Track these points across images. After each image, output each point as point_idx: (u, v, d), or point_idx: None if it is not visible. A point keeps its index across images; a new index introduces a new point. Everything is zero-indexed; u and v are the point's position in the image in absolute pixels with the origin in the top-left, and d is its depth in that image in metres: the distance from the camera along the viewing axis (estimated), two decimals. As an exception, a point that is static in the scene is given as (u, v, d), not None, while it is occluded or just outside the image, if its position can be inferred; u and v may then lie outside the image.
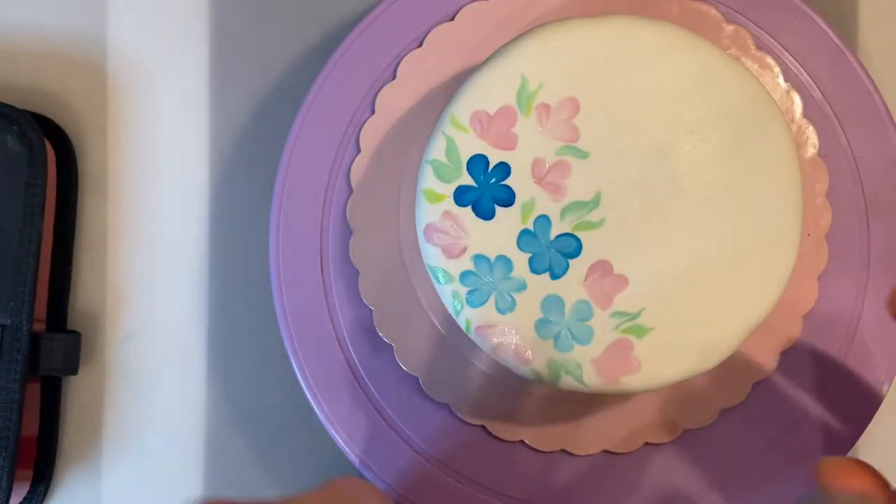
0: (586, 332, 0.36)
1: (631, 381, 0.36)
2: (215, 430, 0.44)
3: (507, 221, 0.36)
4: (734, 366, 0.38)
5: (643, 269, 0.36)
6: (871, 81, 0.41)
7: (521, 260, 0.36)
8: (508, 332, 0.36)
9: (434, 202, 0.36)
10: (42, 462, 0.43)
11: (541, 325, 0.36)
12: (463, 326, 0.36)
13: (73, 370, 0.42)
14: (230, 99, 0.44)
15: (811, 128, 0.41)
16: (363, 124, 0.41)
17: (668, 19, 0.37)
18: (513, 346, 0.36)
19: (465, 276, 0.36)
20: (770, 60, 0.41)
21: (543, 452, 0.41)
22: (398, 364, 0.40)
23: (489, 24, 0.41)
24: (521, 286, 0.36)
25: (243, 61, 0.44)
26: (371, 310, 0.40)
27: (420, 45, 0.41)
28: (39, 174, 0.41)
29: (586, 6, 0.40)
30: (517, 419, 0.40)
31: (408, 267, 0.41)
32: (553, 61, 0.36)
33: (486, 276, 0.36)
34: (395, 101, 0.41)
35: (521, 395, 0.40)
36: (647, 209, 0.36)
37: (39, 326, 0.42)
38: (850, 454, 0.40)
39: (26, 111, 0.42)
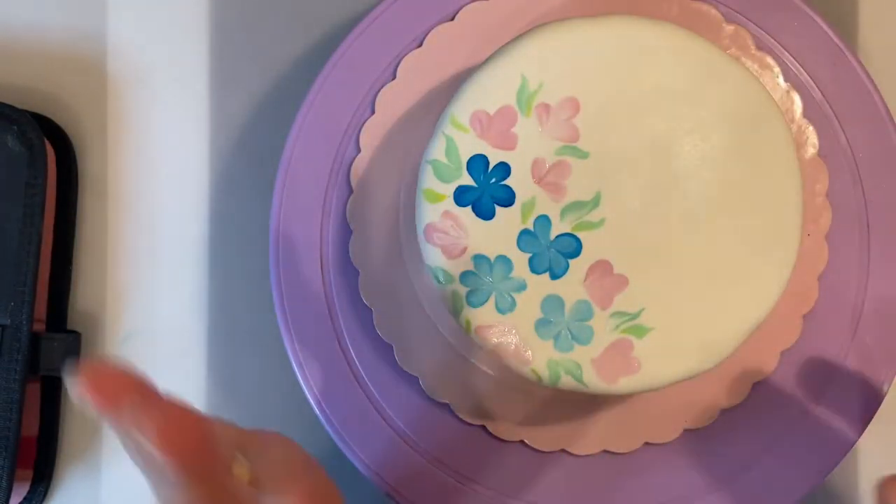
0: (586, 332, 0.36)
1: (631, 381, 0.36)
2: (215, 430, 0.44)
3: (507, 221, 0.36)
4: (734, 366, 0.38)
5: (643, 269, 0.36)
6: (871, 81, 0.41)
7: (521, 260, 0.36)
8: (508, 332, 0.36)
9: (434, 202, 0.36)
10: (42, 462, 0.43)
11: (541, 325, 0.36)
12: (463, 326, 0.36)
13: (74, 370, 0.42)
14: (230, 99, 0.44)
15: (811, 128, 0.41)
16: (363, 124, 0.41)
17: (668, 19, 0.37)
18: (513, 346, 0.36)
19: (465, 276, 0.36)
20: (770, 60, 0.41)
21: (543, 452, 0.41)
22: (398, 364, 0.40)
23: (489, 24, 0.41)
24: (521, 286, 0.36)
25: (243, 61, 0.44)
26: (371, 310, 0.40)
27: (420, 45, 0.41)
28: (39, 174, 0.41)
29: (586, 6, 0.40)
30: (517, 419, 0.40)
31: (408, 267, 0.41)
32: (553, 61, 0.36)
33: (486, 276, 0.36)
34: (395, 101, 0.41)
35: (521, 395, 0.40)
36: (647, 209, 0.36)
37: (39, 326, 0.42)
38: (850, 454, 0.40)
39: (26, 111, 0.42)
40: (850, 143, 0.41)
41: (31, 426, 0.43)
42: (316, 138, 0.41)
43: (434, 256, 0.36)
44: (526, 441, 0.40)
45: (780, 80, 0.41)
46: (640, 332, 0.36)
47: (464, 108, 0.36)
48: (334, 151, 0.41)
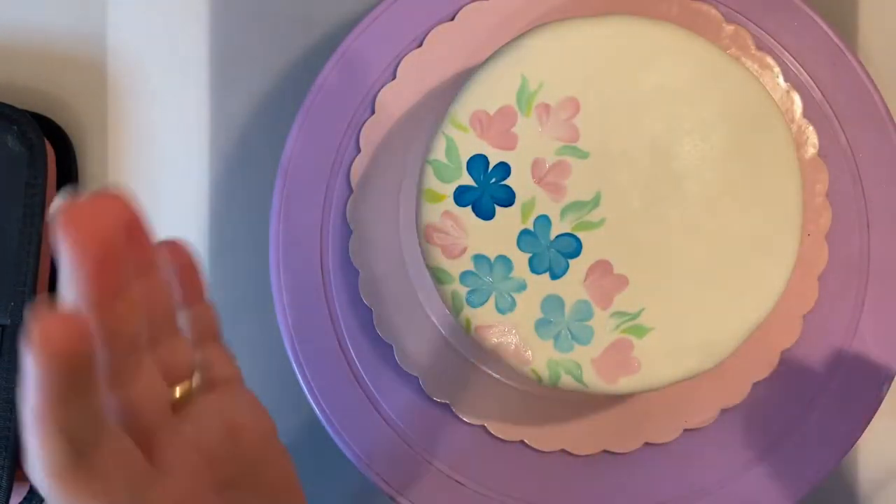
0: (586, 332, 0.36)
1: (631, 381, 0.36)
2: (215, 430, 0.44)
3: (507, 221, 0.36)
4: (734, 366, 0.38)
5: (643, 269, 0.36)
6: (871, 81, 0.41)
7: (521, 260, 0.36)
8: (508, 332, 0.36)
9: (434, 202, 0.36)
10: (42, 462, 0.43)
11: (541, 325, 0.36)
12: (463, 326, 0.36)
13: (73, 370, 0.42)
14: (230, 99, 0.44)
15: (811, 128, 0.41)
16: (363, 124, 0.41)
17: (668, 19, 0.37)
18: (513, 346, 0.36)
19: (465, 276, 0.36)
20: (770, 60, 0.41)
21: (543, 452, 0.41)
22: (398, 364, 0.40)
23: (489, 24, 0.41)
24: (521, 286, 0.36)
25: (243, 61, 0.44)
26: (371, 310, 0.40)
27: (420, 45, 0.41)
28: (39, 174, 0.41)
29: (586, 6, 0.40)
30: (517, 419, 0.40)
31: (408, 267, 0.41)
32: (553, 61, 0.36)
33: (486, 276, 0.36)
34: (395, 101, 0.41)
35: (521, 395, 0.40)
36: (647, 209, 0.36)
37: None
38: (850, 453, 0.40)
39: (26, 111, 0.42)
40: (850, 143, 0.41)
41: (31, 426, 0.42)
42: (316, 138, 0.41)
43: (434, 256, 0.36)
44: (526, 441, 0.40)
45: (780, 80, 0.41)
46: (640, 332, 0.36)
47: (464, 108, 0.36)
48: (334, 151, 0.41)
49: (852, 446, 0.40)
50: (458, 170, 0.36)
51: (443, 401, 0.40)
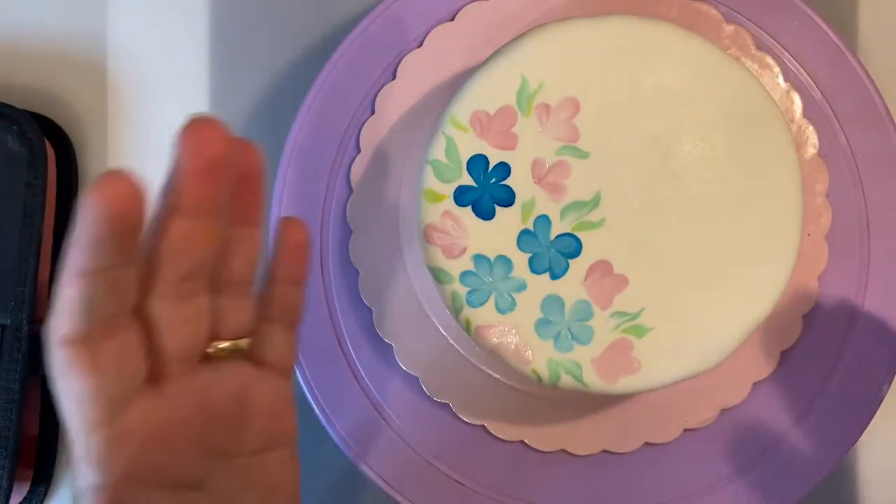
0: (586, 332, 0.36)
1: (631, 381, 0.36)
2: (215, 430, 0.44)
3: (507, 221, 0.36)
4: (734, 366, 0.38)
5: (643, 269, 0.36)
6: (871, 81, 0.41)
7: (521, 260, 0.36)
8: (508, 332, 0.36)
9: (434, 202, 0.36)
10: (42, 462, 0.43)
11: (541, 325, 0.36)
12: (463, 326, 0.36)
13: (73, 370, 0.42)
14: (230, 99, 0.44)
15: (811, 128, 0.41)
16: (363, 124, 0.41)
17: (668, 19, 0.37)
18: (513, 346, 0.36)
19: (465, 276, 0.36)
20: (770, 60, 0.41)
21: (543, 452, 0.41)
22: (398, 364, 0.40)
23: (489, 24, 0.41)
24: (521, 286, 0.36)
25: (243, 62, 0.44)
26: (371, 310, 0.40)
27: (420, 45, 0.41)
28: (39, 174, 0.41)
29: (586, 6, 0.40)
30: (517, 419, 0.40)
31: (408, 267, 0.41)
32: (553, 61, 0.36)
33: (486, 276, 0.36)
34: (395, 101, 0.41)
35: (521, 395, 0.40)
36: (647, 209, 0.36)
37: (39, 326, 0.42)
38: (850, 453, 0.40)
39: (26, 111, 0.42)
40: (850, 143, 0.41)
41: (31, 426, 0.43)
42: (316, 138, 0.41)
43: (434, 256, 0.36)
44: (526, 441, 0.40)
45: (780, 80, 0.41)
46: (640, 332, 0.36)
47: (464, 108, 0.36)
48: (334, 151, 0.41)
49: (852, 446, 0.40)
50: (458, 170, 0.36)
51: (443, 401, 0.40)
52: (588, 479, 0.41)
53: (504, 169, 0.36)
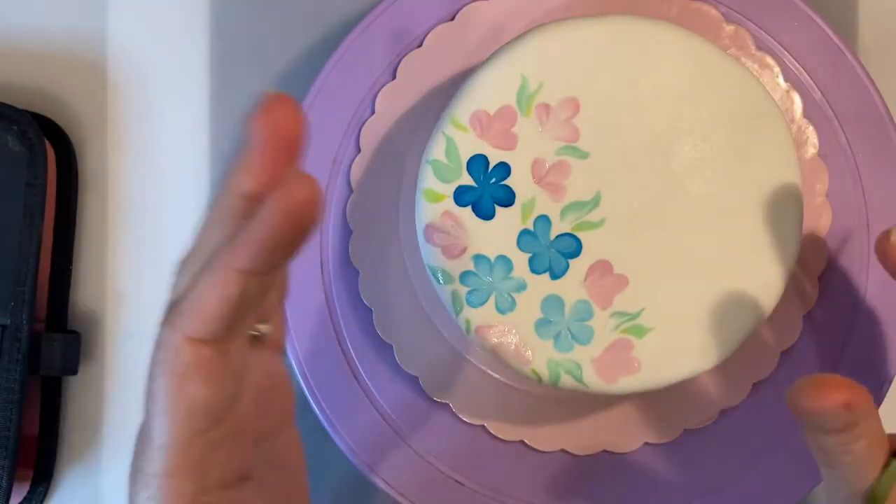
0: (586, 332, 0.36)
1: (631, 381, 0.36)
2: (215, 430, 0.44)
3: (507, 221, 0.36)
4: (734, 366, 0.38)
5: (643, 269, 0.36)
6: (871, 81, 0.41)
7: (521, 260, 0.36)
8: (508, 332, 0.36)
9: (434, 202, 0.36)
10: (42, 462, 0.43)
11: (541, 325, 0.36)
12: (463, 326, 0.36)
13: (73, 370, 0.42)
14: (230, 99, 0.44)
15: (811, 128, 0.41)
16: (363, 124, 0.41)
17: (668, 19, 0.37)
18: (513, 346, 0.36)
19: (465, 276, 0.36)
20: (770, 60, 0.41)
21: (543, 452, 0.41)
22: (398, 364, 0.40)
23: (489, 24, 0.41)
24: (521, 286, 0.36)
25: (243, 61, 0.44)
26: (371, 310, 0.40)
27: (420, 45, 0.41)
28: (39, 174, 0.41)
29: (586, 6, 0.40)
30: (517, 419, 0.40)
31: (408, 267, 0.41)
32: (553, 61, 0.36)
33: (486, 276, 0.36)
34: (395, 101, 0.41)
35: (521, 395, 0.40)
36: (647, 209, 0.36)
37: (39, 326, 0.42)
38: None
39: (26, 111, 0.42)
40: (850, 143, 0.41)
41: (31, 426, 0.43)
42: (316, 138, 0.41)
43: (434, 256, 0.36)
44: (526, 441, 0.40)
45: (780, 80, 0.41)
46: (640, 332, 0.36)
47: (464, 108, 0.36)
48: (334, 151, 0.41)
49: (852, 446, 0.40)
50: (458, 170, 0.36)
51: (443, 401, 0.40)
52: (588, 479, 0.41)
53: (504, 169, 0.36)
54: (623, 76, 0.36)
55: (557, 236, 0.36)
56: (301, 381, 0.40)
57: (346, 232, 0.41)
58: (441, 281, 0.36)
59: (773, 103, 0.36)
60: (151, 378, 0.25)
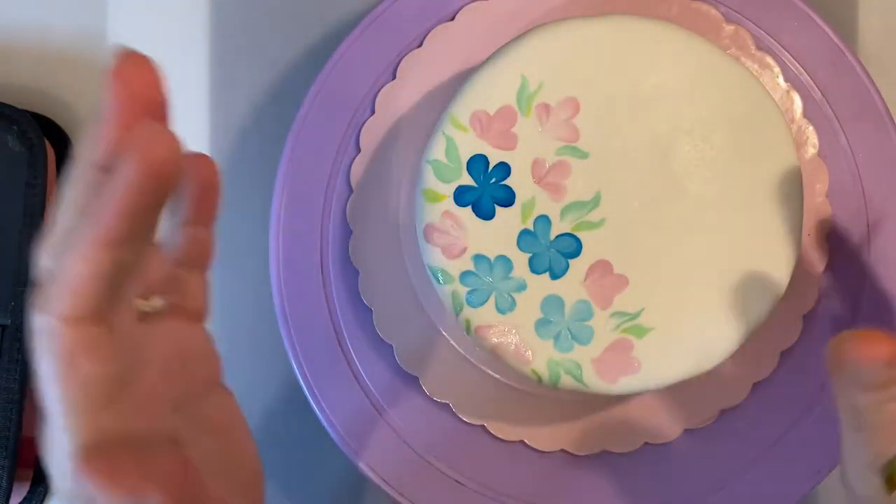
0: (586, 332, 0.36)
1: (631, 381, 0.36)
2: (215, 430, 0.44)
3: (507, 221, 0.36)
4: (734, 365, 0.38)
5: (643, 269, 0.36)
6: (871, 81, 0.41)
7: (521, 260, 0.36)
8: (508, 332, 0.36)
9: (434, 202, 0.36)
10: (42, 462, 0.43)
11: (541, 325, 0.36)
12: (463, 326, 0.36)
13: (73, 370, 0.42)
14: (230, 99, 0.44)
15: (811, 128, 0.41)
16: (363, 124, 0.41)
17: (668, 19, 0.37)
18: (513, 346, 0.36)
19: (465, 276, 0.36)
20: (770, 60, 0.41)
21: (543, 452, 0.41)
22: (398, 364, 0.40)
23: (489, 24, 0.41)
24: (521, 286, 0.36)
25: (243, 61, 0.44)
26: (371, 310, 0.40)
27: (420, 45, 0.41)
28: (39, 174, 0.41)
29: (586, 6, 0.40)
30: (517, 419, 0.40)
31: (408, 267, 0.41)
32: (553, 61, 0.36)
33: (486, 276, 0.36)
34: (395, 101, 0.41)
35: (521, 395, 0.40)
36: (647, 209, 0.36)
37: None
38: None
39: (26, 111, 0.42)
40: (850, 143, 0.41)
41: (31, 426, 0.43)
42: (316, 138, 0.41)
43: (434, 256, 0.36)
44: (526, 441, 0.40)
45: (780, 80, 0.41)
46: (640, 332, 0.36)
47: (464, 108, 0.36)
48: (334, 151, 0.41)
49: (852, 446, 0.40)
50: (458, 170, 0.36)
51: (443, 401, 0.40)
52: (588, 479, 0.41)
53: (504, 169, 0.36)
54: (623, 76, 0.36)
55: (557, 236, 0.36)
56: (301, 380, 0.40)
57: (346, 232, 0.41)
58: (441, 281, 0.36)
59: (773, 103, 0.36)
60: (39, 366, 0.24)
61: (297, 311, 0.40)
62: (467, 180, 0.36)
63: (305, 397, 0.40)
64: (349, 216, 0.41)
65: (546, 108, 0.36)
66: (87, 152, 0.24)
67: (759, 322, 0.36)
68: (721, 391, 0.40)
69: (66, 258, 0.23)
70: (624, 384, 0.36)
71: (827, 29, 0.41)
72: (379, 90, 0.41)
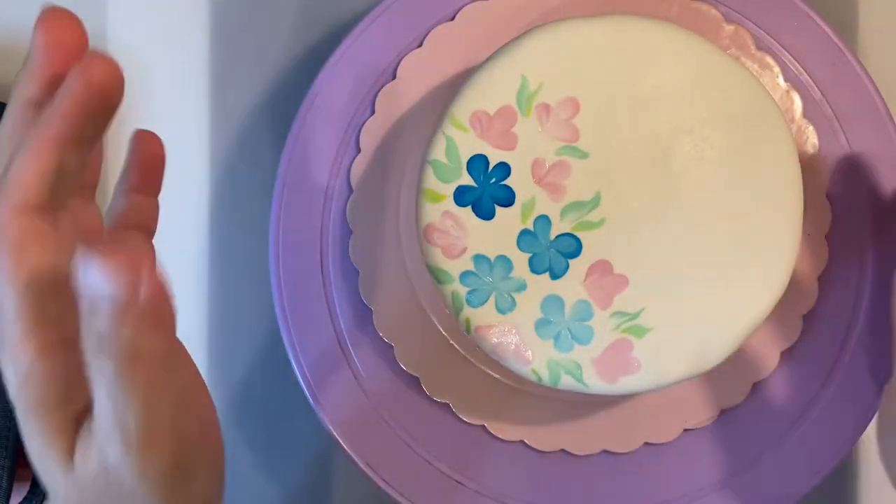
0: (586, 332, 0.36)
1: (631, 381, 0.36)
2: (215, 430, 0.44)
3: (507, 221, 0.36)
4: (734, 366, 0.38)
5: (643, 269, 0.36)
6: (871, 81, 0.41)
7: (521, 260, 0.36)
8: (508, 332, 0.36)
9: (434, 202, 0.36)
10: (42, 462, 0.43)
11: (541, 325, 0.36)
12: (463, 326, 0.36)
13: (73, 370, 0.42)
14: (230, 99, 0.44)
15: (811, 128, 0.41)
16: (363, 124, 0.41)
17: (668, 19, 0.37)
18: (513, 346, 0.36)
19: (465, 276, 0.36)
20: (770, 60, 0.41)
21: (543, 452, 0.41)
22: (398, 364, 0.40)
23: (489, 24, 0.41)
24: (521, 286, 0.36)
25: (243, 61, 0.44)
26: (371, 310, 0.40)
27: (420, 45, 0.41)
28: (39, 174, 0.41)
29: (586, 6, 0.40)
30: (517, 419, 0.40)
31: (408, 267, 0.41)
32: (553, 61, 0.36)
33: (486, 276, 0.36)
34: (395, 101, 0.41)
35: (521, 395, 0.40)
36: (647, 209, 0.36)
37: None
38: (849, 454, 0.40)
39: (26, 111, 0.41)
40: (850, 143, 0.41)
41: (31, 426, 0.42)
42: (316, 138, 0.41)
43: (434, 256, 0.36)
44: (526, 441, 0.40)
45: (780, 80, 0.41)
46: (640, 332, 0.36)
47: (464, 108, 0.36)
48: (334, 151, 0.41)
49: (852, 446, 0.40)
50: (458, 170, 0.36)
51: (443, 401, 0.40)
52: (588, 478, 0.41)
53: (504, 169, 0.36)
54: (623, 76, 0.36)
55: (557, 236, 0.36)
56: (301, 380, 0.40)
57: (346, 232, 0.41)
58: (441, 281, 0.36)
59: (773, 103, 0.36)
60: None
61: (298, 310, 0.40)
62: (467, 180, 0.36)
63: (305, 397, 0.40)
64: (349, 216, 0.41)
65: (546, 108, 0.36)
66: (21, 89, 0.28)
67: (758, 322, 0.36)
68: (721, 391, 0.40)
69: (18, 156, 0.25)
70: (624, 384, 0.36)
71: (827, 29, 0.41)
72: (379, 90, 0.41)
